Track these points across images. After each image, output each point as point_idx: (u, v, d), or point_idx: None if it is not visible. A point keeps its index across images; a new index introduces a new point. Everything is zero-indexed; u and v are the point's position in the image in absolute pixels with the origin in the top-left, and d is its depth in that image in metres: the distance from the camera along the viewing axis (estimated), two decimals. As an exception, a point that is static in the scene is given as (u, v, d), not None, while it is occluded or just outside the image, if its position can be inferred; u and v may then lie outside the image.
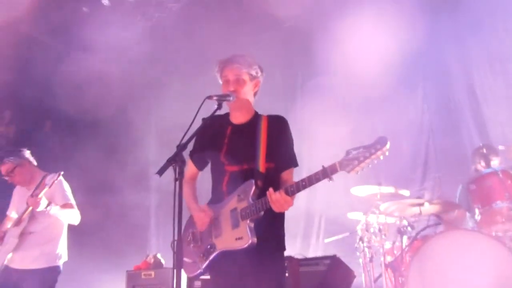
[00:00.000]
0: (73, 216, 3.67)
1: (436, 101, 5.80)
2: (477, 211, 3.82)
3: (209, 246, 2.39)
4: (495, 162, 4.28)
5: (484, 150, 4.34)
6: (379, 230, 4.51)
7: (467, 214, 4.33)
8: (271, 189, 2.21)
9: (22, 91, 6.18)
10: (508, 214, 3.63)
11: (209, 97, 2.38)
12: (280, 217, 2.44)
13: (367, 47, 5.63)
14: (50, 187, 3.50)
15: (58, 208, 3.57)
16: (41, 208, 3.43)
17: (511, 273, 3.24)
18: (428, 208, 4.09)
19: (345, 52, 5.60)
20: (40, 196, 3.42)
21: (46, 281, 3.55)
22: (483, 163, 4.31)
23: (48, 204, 3.48)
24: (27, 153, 3.85)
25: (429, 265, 3.45)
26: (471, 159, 4.56)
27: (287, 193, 2.17)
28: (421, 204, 4.03)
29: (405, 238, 4.20)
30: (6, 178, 3.75)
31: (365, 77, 5.49)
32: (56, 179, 3.55)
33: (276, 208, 2.21)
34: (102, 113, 6.47)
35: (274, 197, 2.18)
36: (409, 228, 4.22)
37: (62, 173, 3.61)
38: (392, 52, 5.28)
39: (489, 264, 3.28)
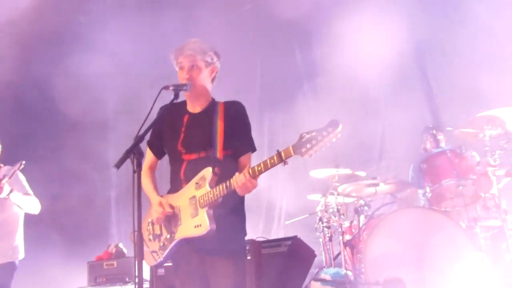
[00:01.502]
0: (34, 204, 3.59)
1: (390, 80, 5.94)
2: (428, 189, 4.01)
3: (168, 236, 2.41)
4: (443, 142, 4.52)
5: (434, 131, 4.55)
6: (338, 210, 4.67)
7: (419, 192, 4.55)
8: (237, 173, 2.23)
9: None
10: (456, 190, 3.82)
11: (166, 88, 2.36)
12: (239, 202, 2.48)
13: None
14: (10, 177, 3.39)
15: (21, 194, 3.48)
16: (3, 194, 3.33)
17: (460, 245, 3.46)
18: (383, 188, 4.27)
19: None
20: (3, 182, 3.31)
21: (1, 278, 3.45)
22: (432, 143, 4.52)
23: (11, 191, 3.38)
24: None
25: (385, 241, 3.61)
26: (420, 138, 4.77)
27: (252, 175, 2.20)
28: (376, 185, 4.19)
29: (362, 217, 4.38)
30: None
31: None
32: (18, 168, 3.44)
33: (241, 191, 2.24)
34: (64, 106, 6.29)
35: (239, 179, 2.20)
36: (365, 208, 4.40)
37: (23, 162, 3.47)
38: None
39: (440, 238, 3.47)
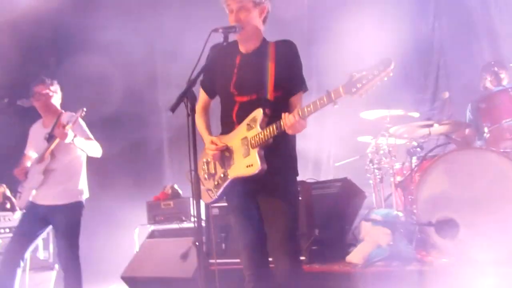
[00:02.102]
0: (96, 148, 3.78)
1: (448, 18, 5.60)
2: (486, 129, 3.84)
3: (222, 175, 2.49)
4: (505, 80, 4.24)
5: (495, 68, 4.27)
6: (389, 152, 4.61)
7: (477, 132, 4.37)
8: (286, 113, 2.24)
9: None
10: (516, 131, 3.65)
11: (215, 30, 2.35)
12: (290, 142, 2.50)
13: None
14: (74, 123, 3.56)
15: (83, 139, 3.67)
16: (68, 139, 3.51)
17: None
18: (438, 129, 4.12)
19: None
20: (67, 127, 3.49)
21: (71, 216, 3.72)
22: (493, 81, 4.26)
23: (74, 136, 3.57)
24: (58, 87, 3.93)
25: (438, 183, 3.53)
26: (479, 76, 4.50)
27: (302, 115, 2.20)
28: (430, 125, 4.05)
29: (414, 158, 4.30)
30: (35, 97, 3.80)
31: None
32: (80, 115, 3.60)
33: (291, 131, 2.26)
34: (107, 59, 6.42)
35: (289, 120, 2.21)
36: (418, 149, 4.29)
37: (84, 109, 3.63)
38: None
39: (498, 180, 3.35)
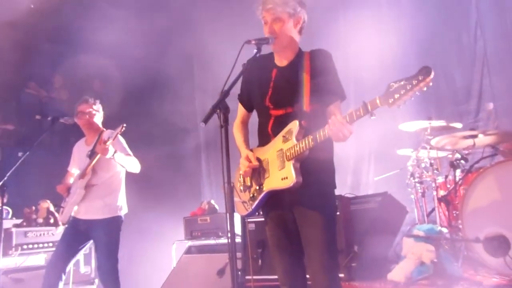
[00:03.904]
0: (135, 164, 3.86)
1: (491, 25, 5.40)
2: (537, 139, 3.63)
3: (257, 187, 2.46)
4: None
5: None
6: (431, 164, 4.42)
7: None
8: (332, 117, 2.15)
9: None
10: None
11: (248, 42, 2.34)
12: (327, 155, 2.44)
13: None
14: (114, 139, 3.65)
15: (123, 155, 3.75)
16: (109, 155, 3.61)
17: None
18: (483, 140, 3.93)
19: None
20: (108, 143, 3.58)
21: (111, 230, 3.80)
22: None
23: (115, 152, 3.66)
24: (100, 107, 4.07)
25: (486, 196, 3.36)
26: None
27: (349, 120, 2.12)
28: (474, 136, 3.87)
29: (458, 171, 4.11)
30: (79, 115, 3.94)
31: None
32: (120, 131, 3.68)
33: (336, 137, 2.16)
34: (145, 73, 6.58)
35: (334, 125, 2.12)
36: (462, 161, 4.10)
37: (124, 125, 3.70)
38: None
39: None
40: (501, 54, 5.28)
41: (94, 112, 3.97)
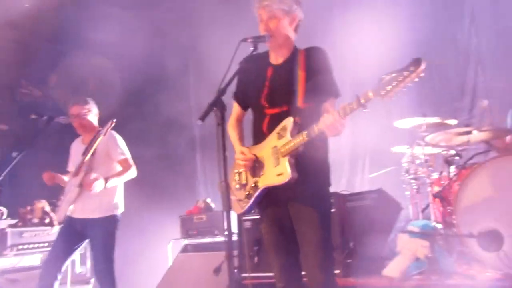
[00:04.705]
0: (131, 175, 3.85)
1: (485, 23, 5.44)
2: (529, 135, 3.66)
3: (253, 185, 2.47)
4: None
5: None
6: (425, 161, 4.45)
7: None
8: (325, 113, 2.17)
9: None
10: None
11: (244, 40, 2.36)
12: (323, 152, 2.46)
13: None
14: (104, 134, 3.63)
15: (115, 179, 3.72)
16: (99, 188, 3.60)
17: None
18: (477, 136, 3.96)
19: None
20: (93, 177, 3.57)
21: (106, 229, 3.77)
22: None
23: (106, 181, 3.64)
24: (94, 105, 4.03)
25: (479, 191, 3.39)
26: None
27: (343, 114, 2.13)
28: (469, 132, 3.90)
29: (452, 167, 4.14)
30: (71, 118, 3.92)
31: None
32: (110, 126, 3.65)
33: (330, 132, 2.18)
34: (140, 71, 6.55)
35: (328, 119, 2.13)
36: (457, 157, 4.13)
37: (114, 120, 3.68)
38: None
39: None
40: (495, 52, 5.32)
41: (85, 113, 3.92)
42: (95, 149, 3.71)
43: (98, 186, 3.60)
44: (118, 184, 3.80)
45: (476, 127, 3.94)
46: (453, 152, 4.20)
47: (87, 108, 3.95)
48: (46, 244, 4.74)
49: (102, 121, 4.05)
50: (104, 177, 3.65)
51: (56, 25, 6.36)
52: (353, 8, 5.85)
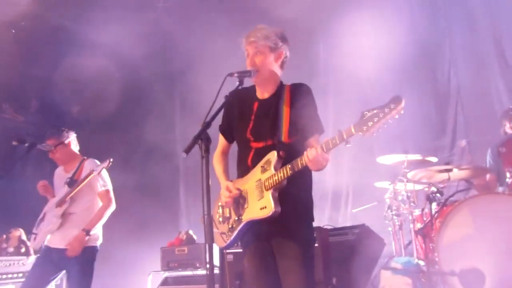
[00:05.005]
0: (109, 211, 3.81)
1: (464, 64, 5.64)
2: (508, 174, 3.74)
3: (236, 218, 2.46)
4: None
5: (513, 112, 4.22)
6: (407, 197, 4.50)
7: (498, 177, 4.25)
8: (308, 148, 2.20)
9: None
10: (540, 176, 3.54)
11: (230, 74, 2.39)
12: (306, 185, 2.48)
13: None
14: (99, 173, 3.60)
15: (93, 227, 3.69)
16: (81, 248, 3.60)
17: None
18: (457, 174, 4.02)
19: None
20: (75, 242, 3.57)
21: (85, 260, 3.68)
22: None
23: (87, 233, 3.63)
24: (72, 135, 3.98)
25: (460, 229, 3.42)
26: (499, 122, 4.45)
27: (325, 149, 2.16)
28: (449, 170, 3.96)
29: (434, 204, 4.17)
30: (50, 152, 3.87)
31: (388, 44, 5.38)
32: (106, 166, 3.63)
33: (313, 166, 2.20)
34: (127, 98, 6.57)
35: (311, 153, 2.17)
36: (438, 195, 4.18)
37: (111, 160, 3.65)
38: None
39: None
40: (473, 92, 5.50)
41: (66, 143, 3.88)
42: (77, 180, 3.67)
43: (81, 245, 3.59)
44: (99, 226, 3.76)
45: (456, 165, 4.02)
46: (434, 189, 4.25)
47: (65, 139, 3.90)
48: (21, 275, 4.59)
49: (85, 149, 4.02)
50: (86, 228, 3.63)
51: (29, 45, 6.34)
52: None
